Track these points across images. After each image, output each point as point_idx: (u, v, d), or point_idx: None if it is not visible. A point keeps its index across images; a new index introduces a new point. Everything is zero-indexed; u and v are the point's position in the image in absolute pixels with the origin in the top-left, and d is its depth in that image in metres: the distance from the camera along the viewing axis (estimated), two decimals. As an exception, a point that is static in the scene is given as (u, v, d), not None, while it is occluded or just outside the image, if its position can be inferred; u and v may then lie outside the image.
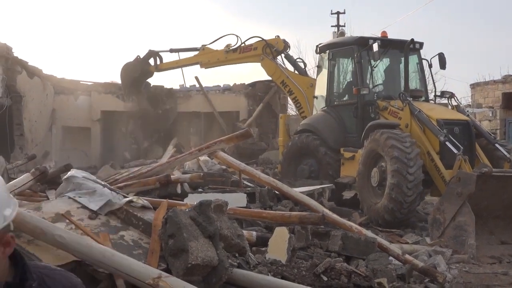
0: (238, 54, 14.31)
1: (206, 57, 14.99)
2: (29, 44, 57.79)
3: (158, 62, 16.06)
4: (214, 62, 14.99)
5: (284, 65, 13.70)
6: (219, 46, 14.84)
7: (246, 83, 19.62)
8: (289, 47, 14.07)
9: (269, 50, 13.67)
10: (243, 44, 14.14)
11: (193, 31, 66.03)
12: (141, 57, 16.13)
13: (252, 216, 6.07)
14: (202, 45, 14.99)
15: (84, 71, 66.65)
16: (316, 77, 12.68)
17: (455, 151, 8.95)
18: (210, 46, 14.92)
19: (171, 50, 15.76)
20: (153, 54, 16.05)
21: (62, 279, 2.10)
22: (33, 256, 3.80)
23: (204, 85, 18.84)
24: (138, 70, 16.15)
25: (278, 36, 13.98)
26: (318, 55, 12.60)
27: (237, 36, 14.22)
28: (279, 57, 13.83)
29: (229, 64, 15.23)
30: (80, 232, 4.18)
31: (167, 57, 16.20)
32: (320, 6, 64.35)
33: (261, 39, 13.90)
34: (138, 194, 6.32)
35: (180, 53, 15.77)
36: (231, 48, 14.33)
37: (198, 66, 15.33)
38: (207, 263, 3.88)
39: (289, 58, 13.86)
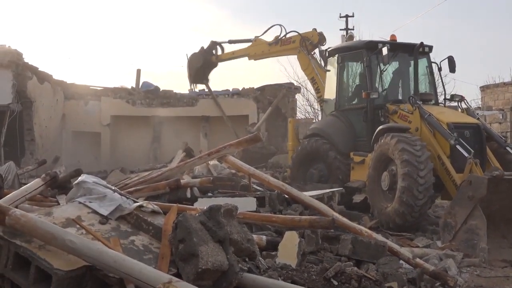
0: (279, 46, 14.24)
1: (253, 50, 15.09)
2: (40, 50, 58.28)
3: (220, 53, 16.26)
4: (259, 54, 15.04)
5: (320, 60, 13.46)
6: (270, 37, 14.74)
7: (255, 87, 19.67)
8: (325, 40, 13.79)
9: (305, 44, 13.55)
10: (283, 37, 14.04)
11: (202, 38, 66.21)
12: (205, 48, 16.40)
13: (262, 221, 6.07)
14: (255, 37, 14.99)
15: (93, 76, 67.09)
16: (321, 80, 12.67)
17: (465, 154, 8.89)
18: (262, 38, 14.86)
19: (230, 41, 15.96)
20: (214, 45, 16.33)
21: None
22: (44, 261, 3.82)
23: (213, 89, 18.90)
24: (201, 60, 16.44)
25: (314, 29, 13.78)
26: (326, 59, 12.56)
27: (281, 26, 14.14)
28: (317, 51, 13.67)
29: (273, 56, 15.37)
30: (91, 237, 4.19)
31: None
32: (328, 9, 64.40)
33: (297, 33, 13.80)
34: (148, 198, 6.34)
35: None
36: (272, 41, 14.33)
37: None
38: (217, 268, 3.88)
39: (322, 53, 13.53)
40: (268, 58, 15.55)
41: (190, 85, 17.94)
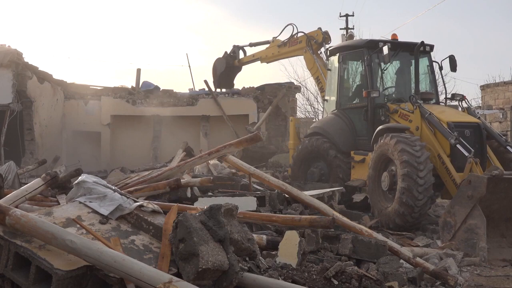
0: (288, 47, 14.36)
1: (265, 52, 15.24)
2: (39, 50, 58.29)
3: (242, 56, 16.51)
4: (270, 56, 15.18)
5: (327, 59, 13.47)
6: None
7: (255, 86, 19.65)
8: (330, 39, 13.79)
9: (311, 43, 13.58)
10: (292, 38, 14.12)
11: (201, 38, 66.22)
12: (228, 52, 16.72)
13: (262, 220, 6.07)
14: (273, 38, 15.02)
15: (93, 75, 67.11)
16: (326, 80, 12.67)
17: (466, 153, 8.89)
18: (279, 39, 14.89)
19: (250, 44, 16.21)
20: (237, 49, 16.66)
21: None
22: (44, 261, 3.82)
23: (213, 88, 18.90)
24: (223, 65, 16.85)
25: (319, 28, 13.80)
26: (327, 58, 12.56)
27: (293, 25, 14.14)
28: (323, 50, 13.67)
29: (283, 57, 15.42)
30: (91, 237, 4.20)
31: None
32: (328, 9, 64.39)
33: (303, 33, 13.85)
34: (148, 198, 6.34)
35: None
36: (281, 42, 14.42)
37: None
38: (218, 267, 3.88)
39: (325, 52, 13.55)
40: (279, 60, 15.70)
41: (216, 89, 18.59)
